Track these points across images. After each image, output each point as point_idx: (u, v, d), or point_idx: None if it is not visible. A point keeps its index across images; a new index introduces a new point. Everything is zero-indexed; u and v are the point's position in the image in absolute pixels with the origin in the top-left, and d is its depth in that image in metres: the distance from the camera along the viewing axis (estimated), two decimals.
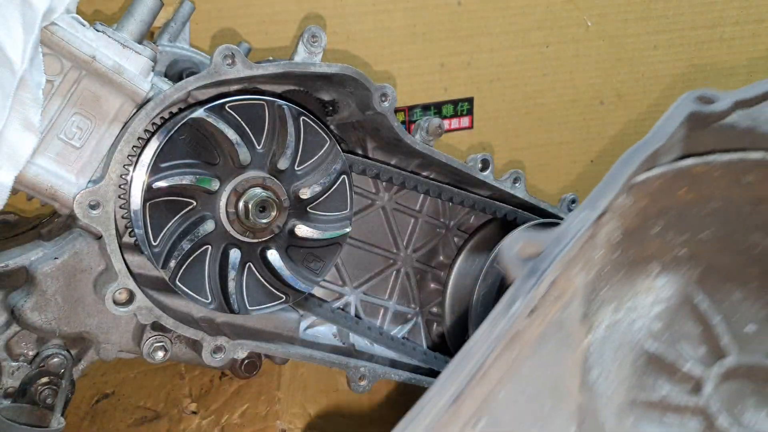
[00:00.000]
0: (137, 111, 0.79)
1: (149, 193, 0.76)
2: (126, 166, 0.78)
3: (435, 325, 1.19)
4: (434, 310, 1.18)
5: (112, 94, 0.78)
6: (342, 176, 0.88)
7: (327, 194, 0.87)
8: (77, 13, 0.77)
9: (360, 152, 1.04)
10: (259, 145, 0.81)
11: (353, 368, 0.96)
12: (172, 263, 0.78)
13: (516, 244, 0.53)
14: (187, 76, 0.80)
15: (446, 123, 1.58)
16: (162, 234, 0.78)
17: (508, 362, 0.50)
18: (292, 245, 0.87)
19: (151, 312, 0.80)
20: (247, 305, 0.85)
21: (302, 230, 0.86)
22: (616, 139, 1.72)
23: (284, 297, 0.87)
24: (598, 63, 1.60)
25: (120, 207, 0.80)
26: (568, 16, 1.53)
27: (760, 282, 0.65)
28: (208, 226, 0.80)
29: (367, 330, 1.04)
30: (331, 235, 0.88)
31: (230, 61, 0.79)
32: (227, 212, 0.81)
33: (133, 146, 0.78)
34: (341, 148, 0.88)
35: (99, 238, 0.80)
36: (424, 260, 1.17)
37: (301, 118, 0.83)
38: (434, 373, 1.08)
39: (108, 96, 0.78)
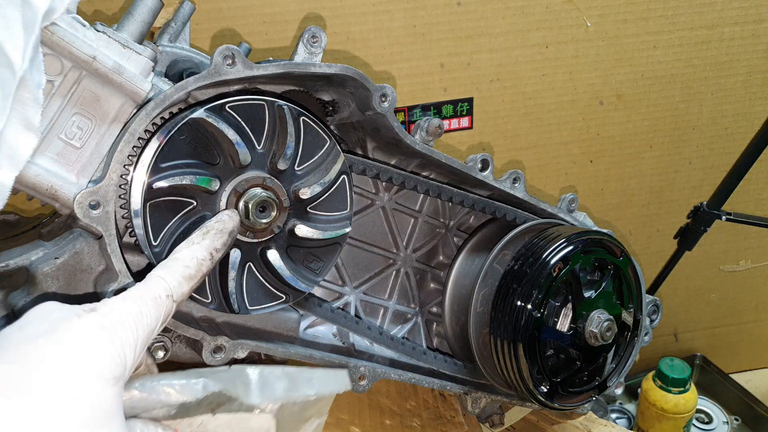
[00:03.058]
0: (137, 111, 0.79)
1: (149, 193, 0.76)
2: (126, 167, 0.78)
3: (435, 324, 1.19)
4: (434, 309, 1.18)
5: (112, 94, 0.78)
6: (342, 176, 0.88)
7: (327, 194, 0.87)
8: (77, 13, 0.77)
9: (360, 152, 1.04)
10: (259, 145, 0.81)
11: (353, 368, 0.96)
12: None
13: None
14: (188, 76, 0.80)
15: (446, 123, 1.58)
16: (162, 234, 0.78)
17: None
18: (292, 245, 0.87)
19: None
20: (247, 305, 0.85)
21: (302, 230, 0.86)
22: (616, 139, 1.72)
23: (284, 297, 0.88)
24: (598, 63, 1.60)
25: (120, 207, 0.80)
26: (567, 17, 1.53)
27: None
28: None
29: (367, 330, 1.04)
30: (331, 235, 0.88)
31: (230, 61, 0.80)
32: None
33: (134, 146, 0.78)
34: (341, 148, 0.88)
35: (99, 238, 0.80)
36: (423, 260, 1.17)
37: (301, 119, 0.83)
38: (434, 373, 1.08)
39: (108, 96, 0.78)
